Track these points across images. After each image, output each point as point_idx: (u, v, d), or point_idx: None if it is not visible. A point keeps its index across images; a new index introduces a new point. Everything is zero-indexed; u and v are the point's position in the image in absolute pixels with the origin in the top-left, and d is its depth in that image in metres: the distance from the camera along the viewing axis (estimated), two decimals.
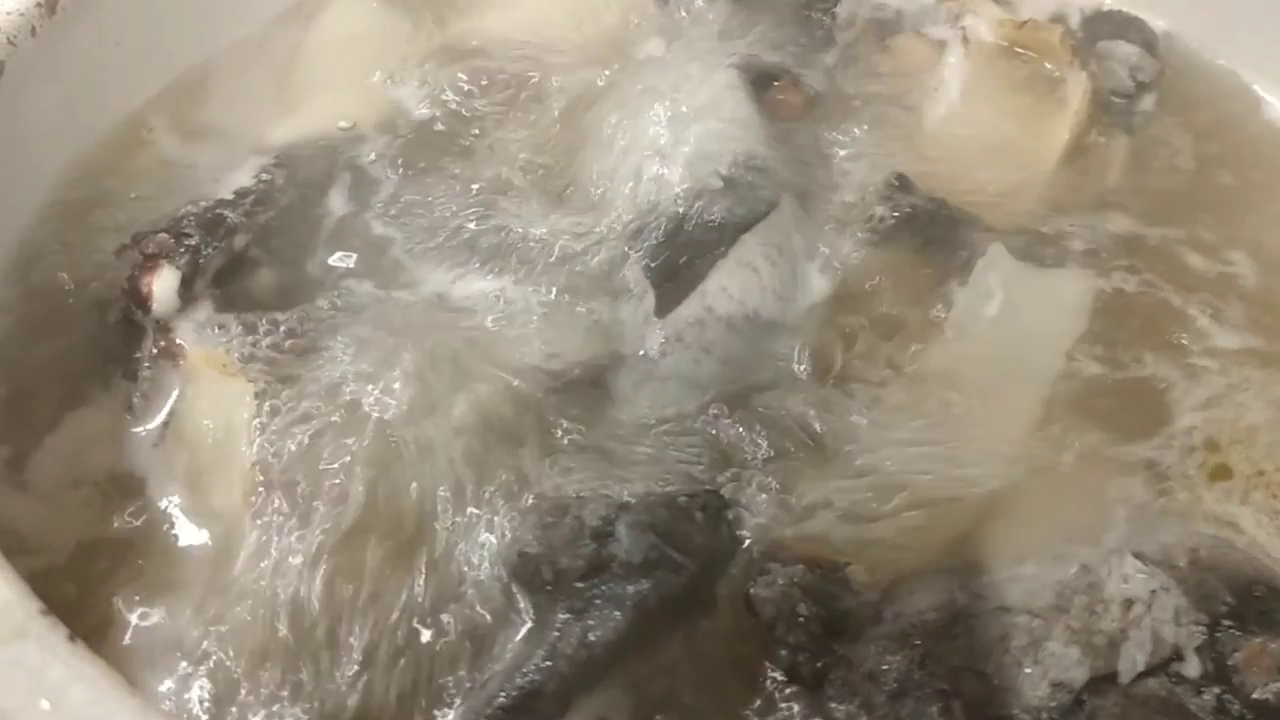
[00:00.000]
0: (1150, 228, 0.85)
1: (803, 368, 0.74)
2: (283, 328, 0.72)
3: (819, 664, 0.58)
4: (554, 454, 0.67)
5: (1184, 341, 0.77)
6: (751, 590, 0.61)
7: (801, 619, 0.59)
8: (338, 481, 0.64)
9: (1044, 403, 0.73)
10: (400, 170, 0.85)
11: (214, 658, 0.60)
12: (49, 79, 0.79)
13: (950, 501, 0.68)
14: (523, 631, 0.60)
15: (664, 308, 0.74)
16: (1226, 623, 0.59)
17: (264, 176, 0.82)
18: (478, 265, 0.78)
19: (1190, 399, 0.73)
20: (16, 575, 0.51)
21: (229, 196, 0.80)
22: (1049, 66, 0.95)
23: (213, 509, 0.66)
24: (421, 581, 0.62)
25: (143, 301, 0.73)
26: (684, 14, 0.96)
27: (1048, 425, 0.72)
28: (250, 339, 0.71)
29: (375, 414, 0.66)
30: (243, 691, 0.59)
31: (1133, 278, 0.81)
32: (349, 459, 0.64)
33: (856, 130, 0.89)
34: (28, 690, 0.47)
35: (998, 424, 0.71)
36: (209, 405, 0.69)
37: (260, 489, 0.64)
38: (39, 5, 0.77)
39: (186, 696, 0.59)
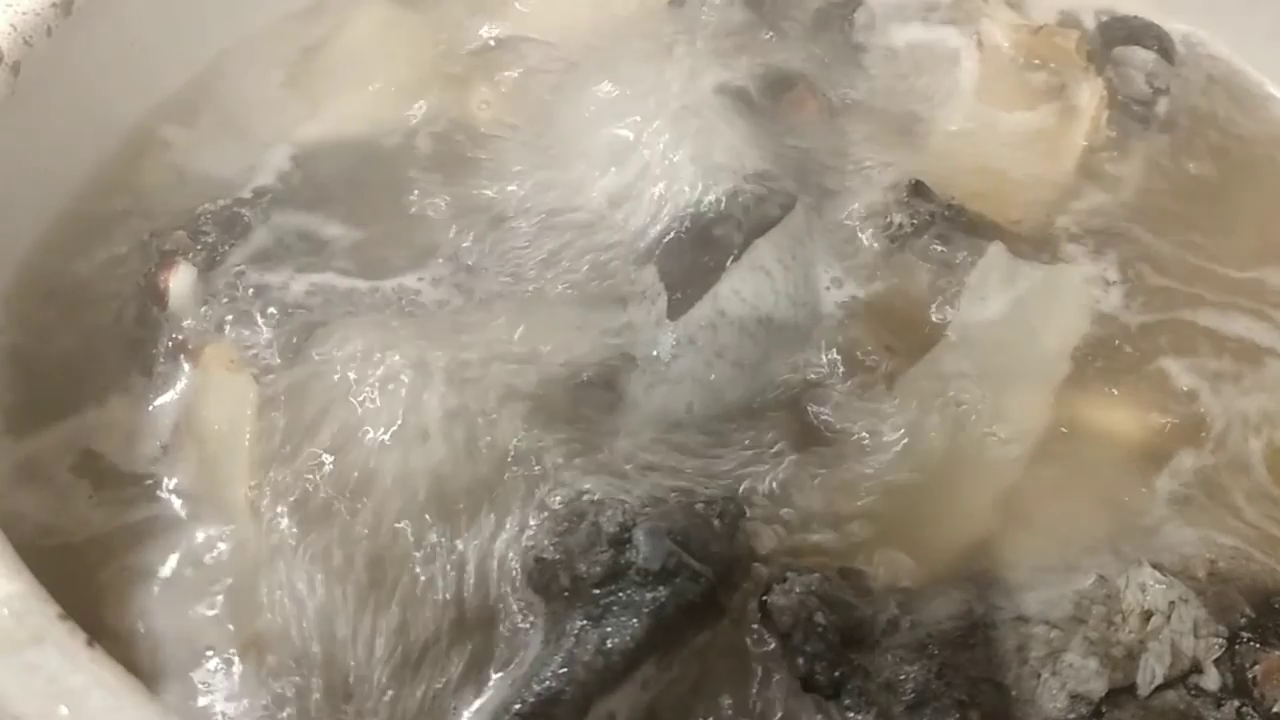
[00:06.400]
0: (1167, 233, 0.85)
1: (815, 372, 0.74)
2: (296, 326, 0.72)
3: (836, 673, 0.58)
4: (567, 457, 0.67)
5: (1201, 346, 0.77)
6: (768, 598, 0.61)
7: (819, 627, 0.59)
8: (344, 480, 0.64)
9: (1052, 406, 0.72)
10: (418, 171, 0.84)
11: (220, 658, 0.60)
12: (65, 79, 0.79)
13: (965, 508, 0.68)
14: (539, 638, 0.60)
15: (676, 310, 0.74)
16: (1246, 635, 0.59)
17: (283, 176, 0.82)
18: (492, 265, 0.78)
19: (1209, 404, 0.73)
20: (35, 580, 0.51)
21: (247, 195, 0.81)
22: (1064, 72, 0.94)
23: (221, 503, 0.66)
24: (434, 587, 0.61)
25: (159, 298, 0.73)
26: (700, 18, 0.95)
27: (1058, 429, 0.71)
28: (264, 336, 0.72)
29: (385, 414, 0.65)
30: (255, 692, 0.59)
31: (1149, 282, 0.81)
32: (356, 458, 0.64)
33: (872, 135, 0.89)
34: (46, 696, 0.46)
35: (1007, 428, 0.71)
36: (215, 400, 0.69)
37: (263, 485, 0.64)
38: (54, 5, 0.77)
39: (200, 696, 0.59)
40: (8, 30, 0.74)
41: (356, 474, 0.64)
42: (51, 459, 0.68)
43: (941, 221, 0.80)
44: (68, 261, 0.78)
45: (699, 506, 0.63)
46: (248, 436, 0.66)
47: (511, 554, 0.62)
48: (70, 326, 0.75)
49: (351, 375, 0.67)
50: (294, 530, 0.63)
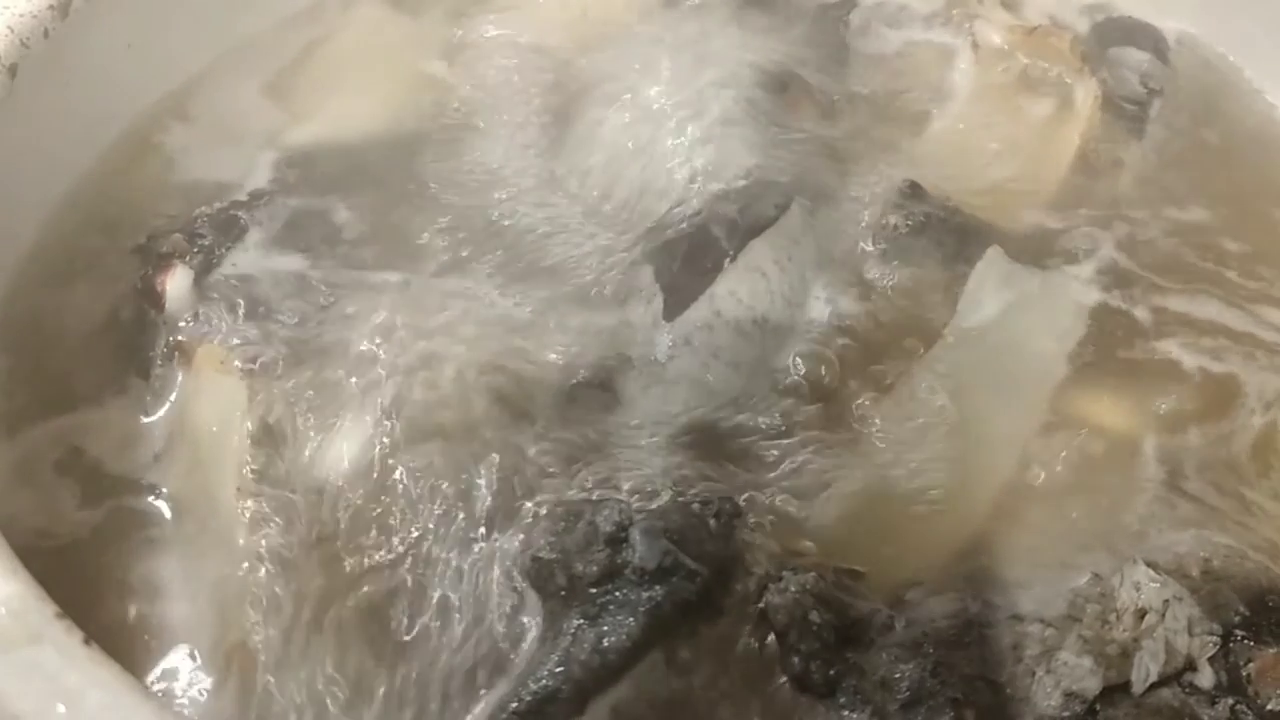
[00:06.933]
0: (1163, 232, 0.85)
1: (811, 373, 0.74)
2: (292, 326, 0.72)
3: (831, 671, 0.58)
4: (563, 457, 0.67)
5: (1197, 345, 0.77)
6: (764, 597, 0.61)
7: (814, 626, 0.59)
8: (335, 481, 0.64)
9: (1049, 407, 0.72)
10: (413, 172, 0.85)
11: (213, 657, 0.61)
12: (62, 81, 0.79)
13: (960, 508, 0.68)
14: (536, 636, 0.60)
15: (672, 311, 0.74)
16: (1240, 633, 0.59)
17: (279, 178, 0.83)
18: (487, 267, 0.78)
19: (1205, 404, 0.74)
20: (32, 579, 0.51)
21: (244, 198, 0.81)
22: (1059, 73, 0.95)
23: (213, 504, 0.66)
24: (428, 587, 0.61)
25: (156, 300, 0.73)
26: (694, 19, 0.96)
27: (1054, 430, 0.71)
28: (259, 337, 0.71)
29: (378, 414, 0.66)
30: (245, 692, 0.59)
31: (1145, 281, 0.81)
32: (347, 459, 0.64)
33: (867, 136, 0.90)
34: (43, 694, 0.46)
35: (1003, 429, 0.71)
36: (207, 402, 0.69)
37: (254, 486, 0.64)
38: (51, 7, 0.77)
39: (193, 695, 0.59)
40: (5, 33, 0.74)
41: (348, 475, 0.64)
42: (49, 461, 0.68)
43: (937, 223, 0.80)
44: (65, 264, 0.78)
45: (695, 506, 0.63)
46: (238, 438, 0.66)
47: (507, 553, 0.62)
48: (67, 330, 0.75)
49: (345, 375, 0.68)
50: (283, 531, 0.63)
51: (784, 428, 0.71)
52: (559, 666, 0.57)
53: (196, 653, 0.61)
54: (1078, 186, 0.88)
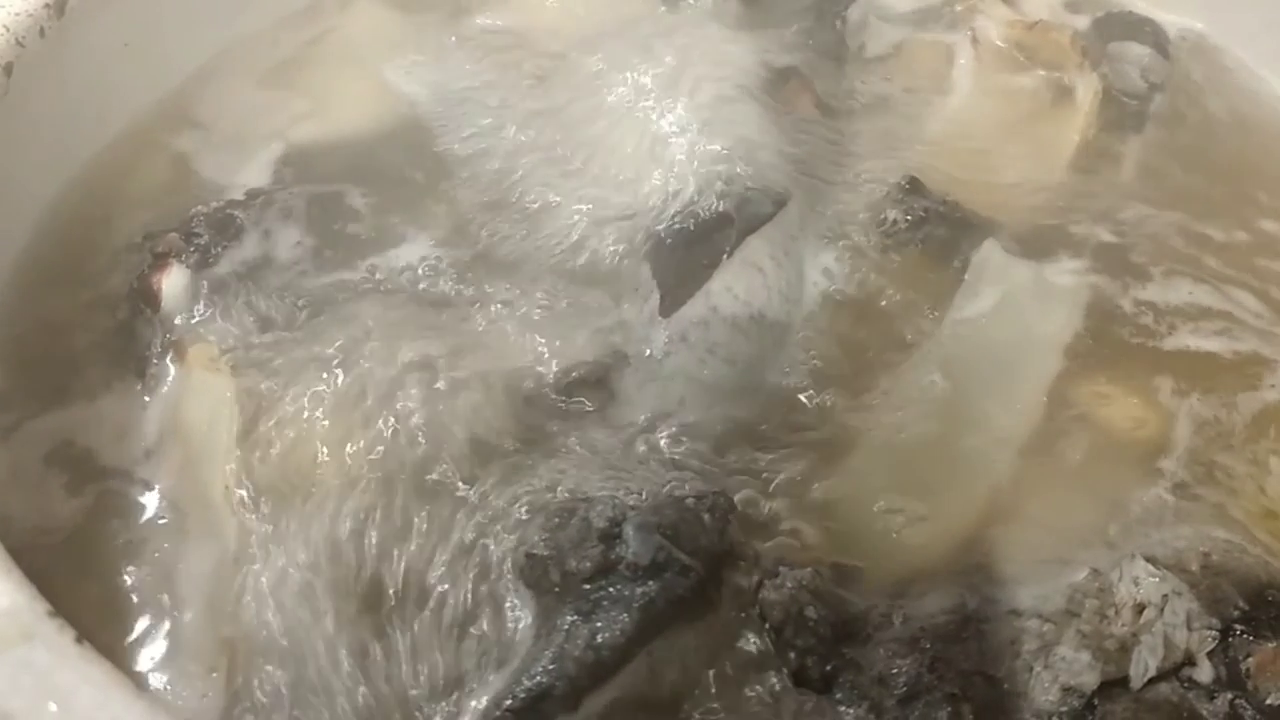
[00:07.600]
0: (1162, 228, 0.85)
1: (807, 368, 0.74)
2: (287, 325, 0.73)
3: (828, 667, 0.58)
4: (558, 454, 0.67)
5: (1196, 341, 0.77)
6: (760, 593, 0.61)
7: (810, 622, 0.59)
8: (328, 479, 0.64)
9: (1046, 400, 0.72)
10: (409, 170, 0.85)
11: (204, 655, 0.60)
12: (57, 80, 0.79)
13: (958, 503, 0.68)
14: (530, 633, 0.60)
15: (669, 307, 0.74)
16: (1239, 627, 0.59)
17: (276, 177, 0.83)
18: (483, 264, 0.78)
19: (1202, 398, 0.73)
20: (24, 577, 0.51)
21: (240, 197, 0.81)
22: (1059, 68, 0.94)
23: (204, 503, 0.66)
24: (422, 585, 0.61)
25: (152, 299, 0.73)
26: (694, 15, 0.96)
27: (1051, 424, 0.71)
28: (255, 336, 0.72)
29: (373, 412, 0.66)
30: (235, 690, 0.59)
31: (1143, 275, 0.81)
32: (340, 457, 0.64)
33: (867, 132, 0.90)
34: (35, 693, 0.47)
35: (1001, 423, 0.71)
36: (198, 400, 0.69)
37: (244, 485, 0.64)
38: (47, 6, 0.78)
39: (183, 693, 0.59)
40: (1, 31, 0.74)
41: (341, 472, 0.64)
42: (44, 459, 0.68)
43: (936, 218, 0.80)
44: (62, 263, 0.78)
45: (689, 501, 0.63)
46: (227, 436, 0.66)
47: (502, 550, 0.62)
48: (64, 329, 0.75)
49: (340, 374, 0.68)
50: (273, 529, 0.63)
51: (780, 423, 0.71)
52: (553, 663, 0.57)
53: (188, 650, 0.61)
54: (1078, 181, 0.88)
